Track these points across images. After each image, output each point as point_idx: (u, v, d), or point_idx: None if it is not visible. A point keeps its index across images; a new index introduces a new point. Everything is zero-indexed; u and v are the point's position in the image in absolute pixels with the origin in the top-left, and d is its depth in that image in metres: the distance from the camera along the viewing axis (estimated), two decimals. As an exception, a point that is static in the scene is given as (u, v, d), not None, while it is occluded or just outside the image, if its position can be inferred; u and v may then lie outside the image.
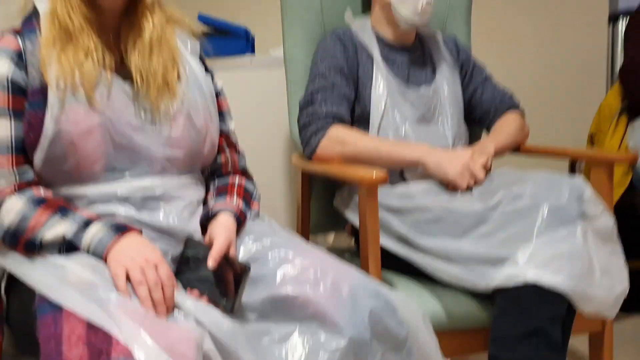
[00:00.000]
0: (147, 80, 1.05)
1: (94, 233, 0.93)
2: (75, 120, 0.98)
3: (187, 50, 1.16)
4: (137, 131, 1.04)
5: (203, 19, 2.00)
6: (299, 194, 1.70)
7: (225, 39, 2.09)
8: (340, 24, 1.66)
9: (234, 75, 1.92)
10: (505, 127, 1.57)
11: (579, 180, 1.20)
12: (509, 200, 1.20)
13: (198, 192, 1.13)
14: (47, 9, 1.03)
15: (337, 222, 1.63)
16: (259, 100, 2.04)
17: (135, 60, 1.05)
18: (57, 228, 0.93)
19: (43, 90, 0.99)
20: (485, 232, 1.19)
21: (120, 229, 0.95)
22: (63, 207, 0.96)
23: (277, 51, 2.22)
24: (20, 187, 0.97)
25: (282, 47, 2.05)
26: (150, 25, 1.07)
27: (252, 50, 2.22)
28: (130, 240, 0.94)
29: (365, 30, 1.57)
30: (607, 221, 1.18)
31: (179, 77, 1.10)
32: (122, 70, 1.07)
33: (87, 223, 0.94)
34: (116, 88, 1.04)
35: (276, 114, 2.05)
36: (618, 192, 1.79)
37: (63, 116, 0.98)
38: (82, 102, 0.99)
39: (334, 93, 1.46)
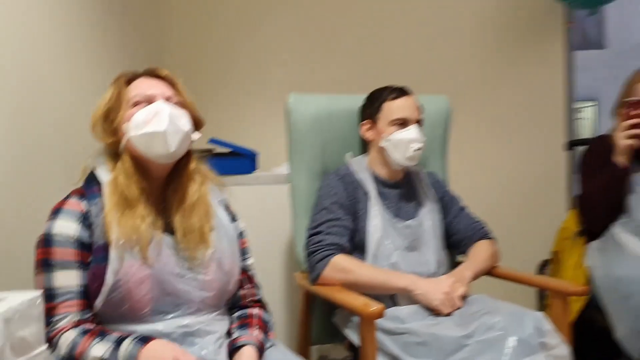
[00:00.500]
0: (187, 235, 1.28)
1: (125, 347, 1.13)
2: (132, 273, 1.20)
3: (216, 202, 1.40)
4: (179, 278, 1.26)
5: (215, 142, 2.28)
6: (300, 309, 1.91)
7: (235, 160, 2.33)
8: (337, 161, 1.93)
9: (241, 190, 2.18)
10: (479, 255, 1.83)
11: (539, 314, 1.46)
12: (482, 330, 1.43)
13: (225, 325, 1.34)
14: (109, 178, 1.26)
15: (335, 335, 1.80)
16: (263, 212, 2.26)
17: (178, 220, 1.29)
18: (97, 350, 1.13)
19: (106, 247, 1.20)
20: (463, 358, 1.41)
21: (145, 339, 1.15)
22: (102, 331, 1.18)
23: (280, 169, 2.51)
24: (77, 324, 1.18)
25: (284, 167, 2.35)
26: (191, 191, 1.32)
27: (256, 168, 2.49)
28: (155, 344, 1.15)
29: (362, 170, 1.84)
30: (563, 350, 1.42)
31: (211, 227, 1.33)
32: (166, 225, 1.29)
33: (119, 341, 1.15)
34: (163, 244, 1.26)
35: (278, 226, 2.26)
36: (577, 307, 2.02)
37: (122, 270, 1.19)
38: (137, 258, 1.21)
39: (337, 226, 1.71)
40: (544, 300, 2.20)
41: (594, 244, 2.07)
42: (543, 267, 2.61)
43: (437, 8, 2.78)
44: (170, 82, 1.35)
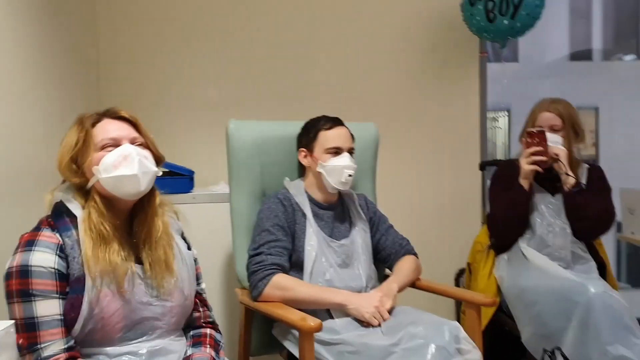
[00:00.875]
0: (155, 266, 1.38)
1: None
2: (106, 304, 1.29)
3: (174, 231, 1.51)
4: (148, 306, 1.36)
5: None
6: (240, 322, 2.03)
7: (172, 179, 2.41)
8: (276, 184, 2.06)
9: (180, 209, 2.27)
10: (404, 269, 2.02)
11: (455, 323, 1.66)
12: (407, 339, 1.61)
13: (183, 344, 1.47)
14: (82, 214, 1.33)
15: (274, 346, 1.96)
16: (201, 230, 2.33)
17: (146, 252, 1.38)
18: None
19: (82, 279, 1.28)
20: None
21: None
22: None
23: (217, 188, 2.62)
24: (70, 356, 1.25)
25: (222, 186, 2.46)
26: (157, 225, 1.41)
27: (193, 186, 2.58)
28: None
29: (300, 193, 1.99)
30: (476, 355, 1.63)
31: (174, 256, 1.44)
32: (135, 256, 1.39)
33: None
34: (135, 275, 1.35)
35: (217, 244, 2.37)
36: (489, 313, 2.25)
37: (97, 300, 1.28)
38: (112, 290, 1.30)
39: (278, 246, 1.85)
40: (461, 307, 2.42)
41: (502, 256, 2.30)
42: (459, 277, 2.86)
43: (366, 40, 2.98)
44: (133, 123, 1.42)
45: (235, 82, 2.92)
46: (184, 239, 1.56)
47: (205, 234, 2.32)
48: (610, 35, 13.31)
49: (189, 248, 1.55)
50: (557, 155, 2.17)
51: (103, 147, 1.35)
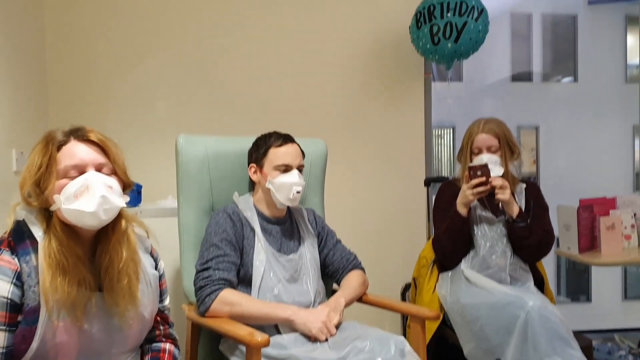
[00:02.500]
0: (117, 297, 1.31)
1: None
2: (61, 336, 1.22)
3: (142, 251, 1.44)
4: (105, 336, 1.30)
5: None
6: (187, 338, 1.99)
7: (120, 193, 2.40)
8: (225, 199, 2.07)
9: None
10: (351, 283, 2.05)
11: (401, 338, 1.69)
12: (354, 353, 1.64)
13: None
14: (42, 240, 1.24)
15: None
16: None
17: (107, 282, 1.30)
18: None
19: (37, 309, 1.20)
20: (338, 378, 1.62)
21: None
22: None
23: (165, 202, 2.60)
24: None
25: (170, 200, 2.44)
26: (120, 255, 1.32)
27: (141, 200, 2.55)
28: None
29: (249, 208, 2.00)
30: (421, 367, 1.68)
31: (139, 282, 1.37)
32: (97, 283, 1.31)
33: None
34: (95, 305, 1.28)
35: (164, 258, 2.32)
36: (434, 327, 2.29)
37: (51, 331, 1.21)
38: (68, 321, 1.23)
39: (226, 261, 1.84)
40: (407, 320, 2.46)
41: (445, 274, 2.35)
42: (405, 291, 2.91)
43: (317, 57, 3.05)
44: (102, 147, 1.32)
45: (186, 97, 2.92)
46: (152, 255, 1.50)
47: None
48: (549, 58, 13.90)
49: (156, 265, 1.50)
50: (500, 200, 2.20)
51: (66, 175, 1.27)
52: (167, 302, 1.54)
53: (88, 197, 1.24)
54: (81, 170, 1.28)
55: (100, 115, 2.82)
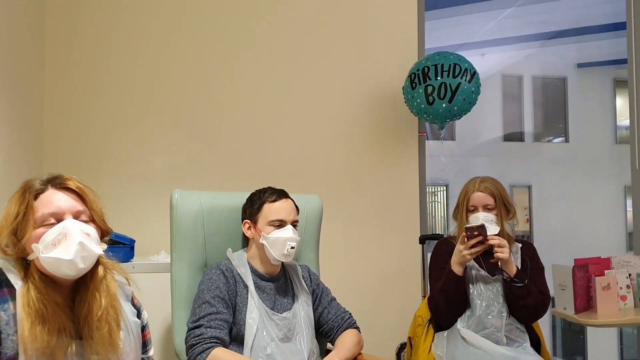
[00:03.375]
0: (97, 345, 1.28)
1: None
2: None
3: (123, 299, 1.41)
4: None
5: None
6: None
7: (112, 247, 2.35)
8: (219, 255, 2.05)
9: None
10: (346, 343, 2.00)
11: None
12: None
13: None
14: (21, 289, 1.22)
15: None
16: (141, 301, 2.31)
17: (87, 330, 1.28)
18: None
19: (15, 358, 1.17)
20: None
21: None
22: None
23: (158, 258, 2.58)
24: None
25: (163, 256, 2.42)
26: (100, 302, 1.30)
27: (133, 256, 2.53)
28: None
29: (242, 264, 1.98)
30: None
31: (120, 329, 1.34)
32: (76, 331, 1.28)
33: None
34: (75, 354, 1.25)
35: (156, 315, 2.28)
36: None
37: None
38: None
39: (218, 319, 1.81)
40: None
41: (441, 334, 2.31)
42: (400, 351, 2.86)
43: (313, 114, 3.10)
44: (79, 194, 1.33)
45: (181, 153, 2.95)
46: (134, 304, 1.48)
47: (143, 305, 2.28)
48: (540, 119, 14.18)
49: (139, 314, 1.47)
50: (500, 259, 2.19)
51: (43, 223, 1.27)
52: (151, 352, 1.51)
53: (66, 245, 1.23)
54: (59, 218, 1.28)
55: (95, 169, 2.83)
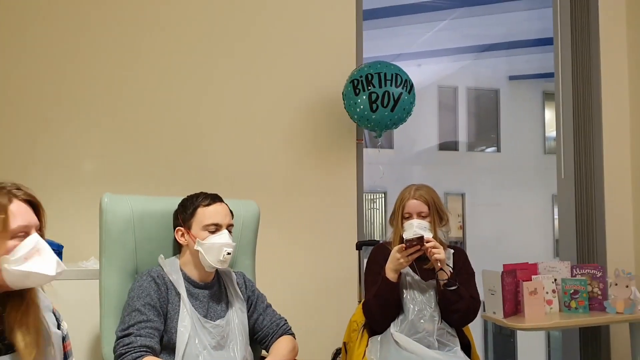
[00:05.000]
0: (30, 354, 1.24)
1: None
2: None
3: (45, 308, 1.38)
4: None
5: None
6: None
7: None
8: (150, 261, 1.99)
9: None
10: (280, 350, 1.98)
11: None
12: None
13: None
14: None
15: None
16: (67, 308, 2.20)
17: (20, 338, 1.24)
18: None
19: None
20: None
21: None
22: None
23: (87, 264, 2.49)
24: None
25: (92, 262, 2.34)
26: (33, 307, 1.29)
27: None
28: None
29: (174, 271, 1.92)
30: None
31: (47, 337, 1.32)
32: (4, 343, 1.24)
33: None
34: None
35: (83, 323, 2.21)
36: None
37: None
38: None
39: (148, 327, 1.76)
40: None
41: (375, 338, 2.33)
42: (336, 356, 2.86)
43: (248, 119, 3.07)
44: (37, 208, 1.32)
45: (111, 156, 2.86)
46: (54, 314, 1.44)
47: (71, 313, 2.17)
48: (473, 129, 14.64)
49: (59, 324, 1.43)
50: (437, 259, 2.22)
51: (16, 235, 1.25)
52: None
53: (41, 260, 1.26)
54: (27, 232, 1.28)
55: (20, 173, 2.70)
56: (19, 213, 1.27)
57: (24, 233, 1.27)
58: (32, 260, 1.25)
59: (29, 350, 1.25)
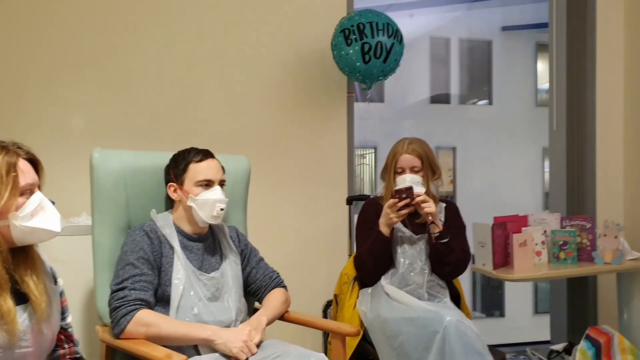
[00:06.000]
0: (40, 302, 1.29)
1: None
2: None
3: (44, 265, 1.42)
4: (5, 352, 1.24)
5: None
6: (101, 361, 1.93)
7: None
8: (143, 216, 1.99)
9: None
10: (273, 302, 2.03)
11: (322, 355, 1.70)
12: (275, 371, 1.64)
13: None
14: None
15: None
16: (59, 264, 2.23)
17: (33, 287, 1.30)
18: None
19: None
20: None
21: None
22: None
23: (78, 220, 2.49)
24: None
25: (84, 218, 2.34)
26: (39, 267, 1.33)
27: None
28: None
29: (167, 225, 1.93)
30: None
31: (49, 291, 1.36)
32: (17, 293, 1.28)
33: None
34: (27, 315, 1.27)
35: (77, 278, 2.24)
36: (354, 343, 2.29)
37: None
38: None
39: (142, 281, 1.78)
40: (328, 337, 2.46)
41: (365, 290, 2.38)
42: (327, 308, 2.92)
43: (237, 73, 3.02)
44: (37, 166, 1.36)
45: (101, 110, 2.82)
46: (51, 271, 1.47)
47: (64, 268, 2.18)
48: (465, 81, 14.53)
49: (55, 280, 1.46)
50: (427, 213, 2.25)
51: (23, 192, 1.28)
52: (69, 319, 1.51)
53: (46, 217, 1.30)
54: (32, 190, 1.31)
55: (8, 129, 2.66)
56: (26, 170, 1.31)
57: (29, 191, 1.30)
58: (38, 217, 1.29)
59: (42, 298, 1.30)
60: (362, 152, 13.62)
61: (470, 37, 14.31)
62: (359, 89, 3.34)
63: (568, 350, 2.99)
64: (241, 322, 1.94)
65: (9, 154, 1.28)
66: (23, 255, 1.32)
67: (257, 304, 2.14)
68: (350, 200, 3.03)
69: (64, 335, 1.46)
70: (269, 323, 1.94)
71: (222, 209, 1.93)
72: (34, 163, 1.34)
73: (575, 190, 3.45)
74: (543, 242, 2.88)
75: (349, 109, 3.20)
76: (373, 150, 13.59)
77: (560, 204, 3.49)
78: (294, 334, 2.24)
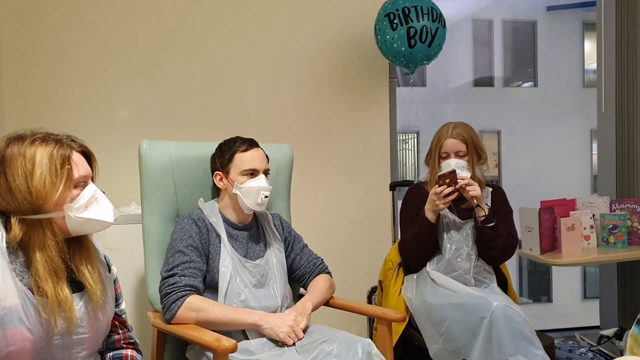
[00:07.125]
0: (94, 291, 1.33)
1: None
2: (14, 340, 1.19)
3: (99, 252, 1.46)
4: (60, 338, 1.28)
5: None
6: (152, 346, 1.97)
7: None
8: (190, 205, 2.05)
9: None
10: (318, 287, 2.05)
11: (368, 340, 1.71)
12: (322, 356, 1.65)
13: None
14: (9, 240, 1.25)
15: None
16: (111, 252, 2.30)
17: (88, 275, 1.33)
18: None
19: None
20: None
21: None
22: None
23: (128, 209, 2.56)
24: None
25: (133, 207, 2.40)
26: (94, 256, 1.37)
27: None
28: None
29: (214, 214, 1.98)
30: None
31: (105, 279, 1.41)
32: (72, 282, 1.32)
33: None
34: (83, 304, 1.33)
35: (128, 266, 2.29)
36: (400, 329, 2.31)
37: (3, 337, 1.18)
38: (25, 324, 1.21)
39: (192, 268, 1.83)
40: (373, 323, 2.48)
41: (410, 276, 2.38)
42: (371, 294, 2.93)
43: (279, 62, 3.04)
44: (90, 158, 1.38)
45: (146, 103, 2.89)
46: (105, 259, 1.50)
47: (116, 256, 2.27)
48: (509, 63, 14.20)
49: (109, 268, 1.50)
50: (472, 196, 2.23)
51: (78, 184, 1.32)
52: (123, 306, 1.54)
53: (99, 208, 1.33)
54: (86, 182, 1.34)
55: (58, 122, 2.75)
56: (80, 163, 1.33)
57: (83, 183, 1.33)
58: (92, 208, 1.31)
59: (97, 286, 1.34)
60: (404, 137, 13.50)
61: (514, 18, 13.96)
62: (400, 73, 3.31)
63: (619, 336, 2.92)
64: (287, 308, 1.97)
65: (62, 147, 1.30)
66: (78, 245, 1.35)
67: (302, 290, 2.17)
68: (393, 186, 3.02)
69: (118, 321, 1.51)
70: (314, 309, 1.97)
71: (266, 197, 1.96)
72: (87, 155, 1.37)
73: (624, 173, 3.35)
74: (592, 227, 2.81)
75: (391, 94, 3.18)
76: (415, 135, 13.46)
77: (610, 187, 3.39)
78: (339, 320, 2.26)
